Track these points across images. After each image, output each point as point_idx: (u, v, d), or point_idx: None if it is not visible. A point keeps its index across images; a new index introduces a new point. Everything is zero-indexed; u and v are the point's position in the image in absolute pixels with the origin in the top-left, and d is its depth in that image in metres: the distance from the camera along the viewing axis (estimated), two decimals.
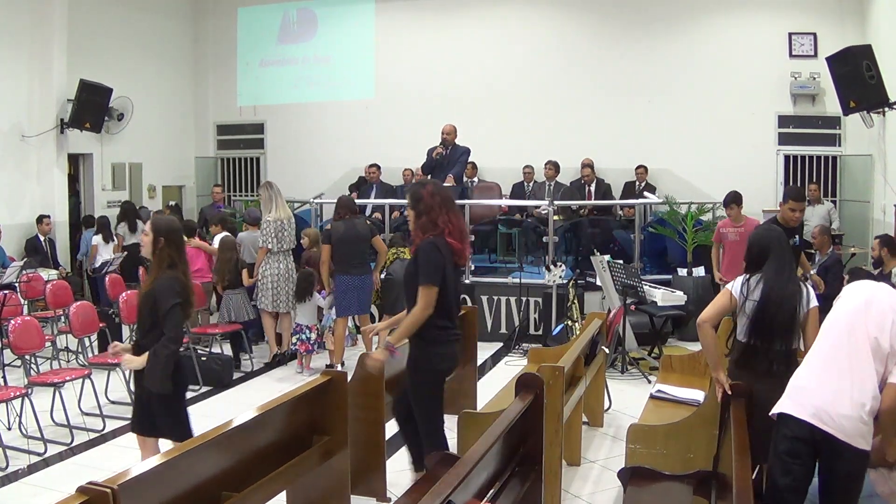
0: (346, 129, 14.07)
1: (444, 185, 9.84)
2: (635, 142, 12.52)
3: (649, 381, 7.42)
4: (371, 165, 12.42)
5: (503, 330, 9.56)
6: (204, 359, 7.73)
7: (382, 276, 8.59)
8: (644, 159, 12.28)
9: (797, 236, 6.70)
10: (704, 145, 12.29)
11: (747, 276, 4.10)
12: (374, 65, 14.03)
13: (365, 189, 12.32)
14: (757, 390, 3.90)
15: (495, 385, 6.40)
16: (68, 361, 8.12)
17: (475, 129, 12.00)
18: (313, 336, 8.21)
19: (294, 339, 8.21)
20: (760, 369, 3.97)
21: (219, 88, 14.99)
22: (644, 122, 12.55)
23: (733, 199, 8.16)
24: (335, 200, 8.62)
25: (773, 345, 3.97)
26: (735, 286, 4.08)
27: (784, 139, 12.18)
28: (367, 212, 11.77)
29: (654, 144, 12.46)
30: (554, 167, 11.61)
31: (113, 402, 6.96)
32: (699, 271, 9.50)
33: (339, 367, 7.94)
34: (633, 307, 8.28)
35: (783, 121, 12.16)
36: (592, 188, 11.80)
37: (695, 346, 8.27)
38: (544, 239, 9.83)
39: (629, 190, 12.20)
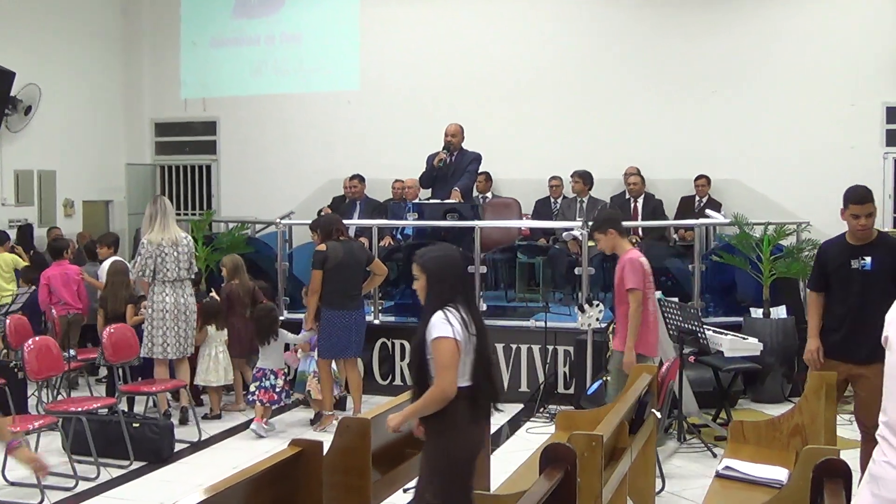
0: (322, 130, 14.15)
1: (448, 201, 9.95)
2: (694, 145, 12.56)
3: (714, 455, 7.38)
4: (352, 178, 12.45)
5: (523, 388, 9.53)
6: (136, 426, 7.69)
7: None
8: (706, 168, 12.31)
9: (868, 258, 6.07)
10: (786, 149, 12.32)
11: (452, 308, 4.39)
12: (359, 47, 14.13)
13: (345, 208, 12.34)
14: (475, 443, 4.47)
15: (514, 459, 6.36)
16: None
17: (488, 130, 12.04)
18: (280, 383, 8.40)
19: (253, 388, 8.40)
20: (482, 414, 4.50)
21: (157, 75, 15.10)
22: (706, 121, 12.61)
23: (600, 226, 7.19)
24: (309, 221, 8.70)
25: (495, 383, 4.58)
26: (454, 329, 4.31)
27: (894, 138, 12.19)
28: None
29: (719, 148, 12.49)
30: (582, 179, 11.56)
31: (12, 484, 6.93)
32: (779, 312, 9.47)
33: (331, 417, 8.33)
34: (692, 359, 8.23)
35: (893, 114, 12.18)
36: (639, 204, 11.81)
37: (774, 409, 8.24)
38: (576, 270, 9.82)
39: (686, 207, 12.21)
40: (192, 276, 8.74)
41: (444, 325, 4.30)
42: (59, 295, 9.70)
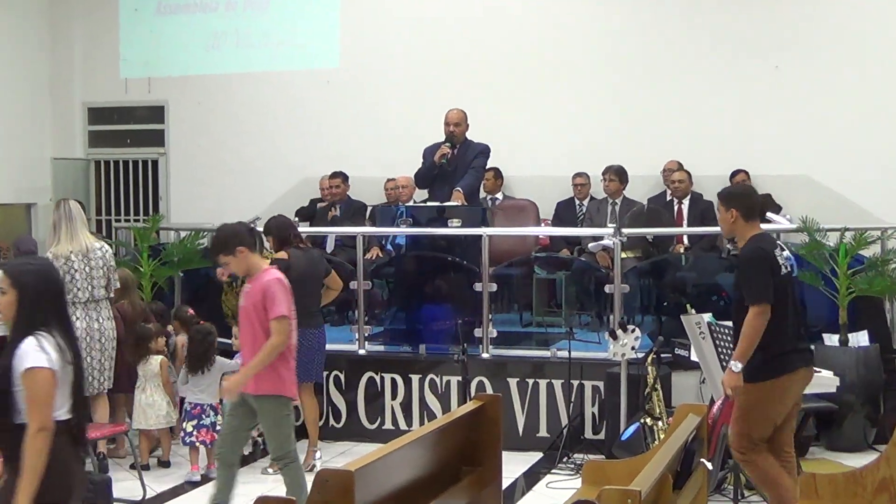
0: (295, 117, 14.15)
1: (449, 203, 9.93)
2: (750, 134, 12.53)
3: None
4: (333, 176, 12.44)
5: (542, 433, 9.51)
6: None
7: None
8: (765, 161, 12.29)
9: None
10: (867, 136, 12.27)
11: (45, 333, 4.61)
12: (339, 17, 14.14)
13: (322, 213, 12.29)
14: (79, 483, 4.73)
15: None
16: None
17: (497, 116, 12.07)
18: (220, 420, 8.56)
19: (190, 427, 8.59)
20: (82, 451, 4.92)
21: (91, 49, 15.09)
22: (766, 103, 12.59)
23: (225, 246, 7.02)
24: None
25: (83, 419, 4.85)
26: (50, 358, 4.54)
27: None
28: (329, 247, 11.77)
29: (783, 137, 12.46)
30: (618, 177, 11.56)
31: None
32: (860, 338, 9.44)
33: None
34: None
35: None
36: (685, 206, 11.79)
37: (855, 460, 8.20)
38: (607, 288, 9.80)
39: None
40: (111, 296, 8.81)
41: (39, 354, 4.50)
42: None
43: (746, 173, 12.16)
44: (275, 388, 6.86)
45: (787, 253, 7.01)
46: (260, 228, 11.07)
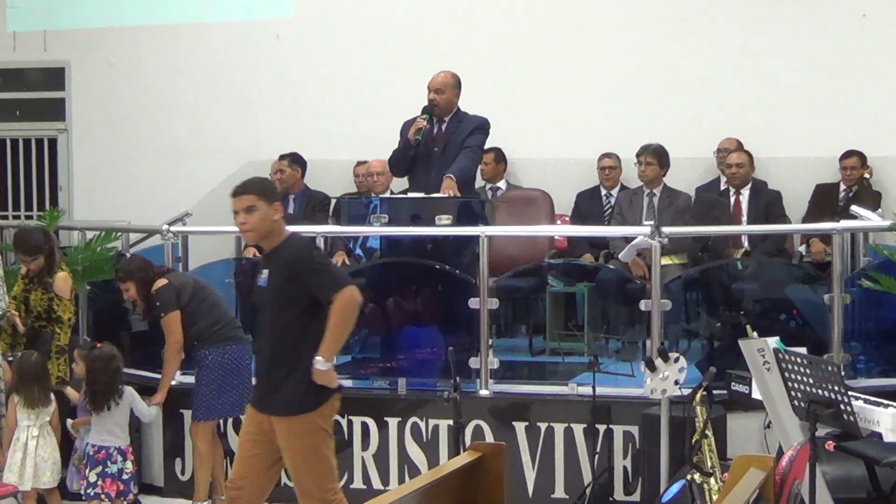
0: (236, 83, 14.22)
1: (437, 195, 9.92)
2: (829, 105, 12.56)
3: None
4: (283, 157, 12.49)
5: (560, 493, 9.50)
6: None
7: None
8: (848, 138, 12.29)
9: (265, 271, 7.33)
10: None
11: None
12: None
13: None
14: None
15: None
16: None
17: (499, 84, 12.10)
18: (129, 466, 8.76)
19: (93, 476, 8.63)
20: None
21: None
22: (848, 64, 12.62)
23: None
24: (220, 227, 8.89)
25: None
26: None
27: None
28: None
29: (870, 109, 12.48)
30: (658, 159, 11.55)
31: None
32: None
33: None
34: (830, 445, 8.19)
35: None
36: (744, 198, 11.80)
37: None
38: (642, 305, 9.80)
39: (826, 200, 12.17)
40: None
41: None
42: None
43: (860, 156, 12.08)
44: None
45: None
46: (189, 228, 11.27)
